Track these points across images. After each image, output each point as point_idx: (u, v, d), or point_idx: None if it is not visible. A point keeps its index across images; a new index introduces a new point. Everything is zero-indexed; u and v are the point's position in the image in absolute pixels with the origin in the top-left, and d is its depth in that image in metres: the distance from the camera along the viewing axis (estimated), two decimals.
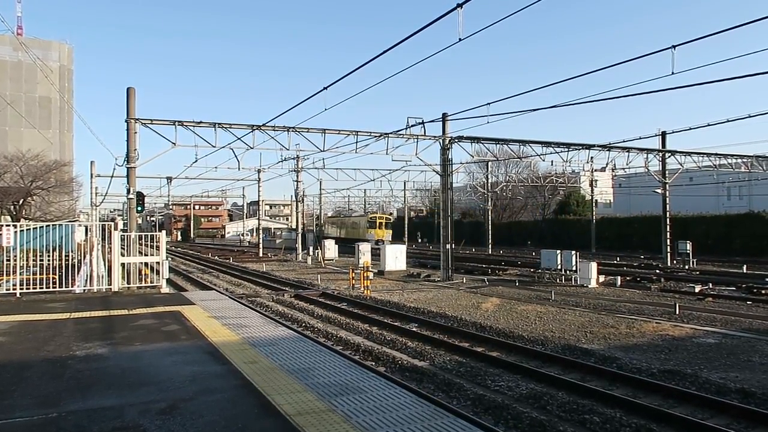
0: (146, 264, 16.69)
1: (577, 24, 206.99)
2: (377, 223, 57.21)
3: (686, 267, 31.18)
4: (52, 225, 17.40)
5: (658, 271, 28.79)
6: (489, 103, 21.46)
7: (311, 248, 43.91)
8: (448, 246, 26.23)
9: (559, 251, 25.75)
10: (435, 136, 26.26)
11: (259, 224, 57.80)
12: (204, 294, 15.64)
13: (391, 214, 73.41)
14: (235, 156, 26.14)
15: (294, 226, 62.78)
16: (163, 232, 15.57)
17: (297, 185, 44.93)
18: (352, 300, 19.61)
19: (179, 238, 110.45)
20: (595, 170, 47.93)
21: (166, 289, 14.26)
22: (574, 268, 24.31)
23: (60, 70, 61.23)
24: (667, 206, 34.66)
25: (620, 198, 68.56)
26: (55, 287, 12.89)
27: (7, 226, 13.11)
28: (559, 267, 25.07)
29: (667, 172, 34.44)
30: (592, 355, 11.28)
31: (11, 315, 9.57)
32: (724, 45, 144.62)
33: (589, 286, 22.74)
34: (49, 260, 14.86)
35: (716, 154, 34.74)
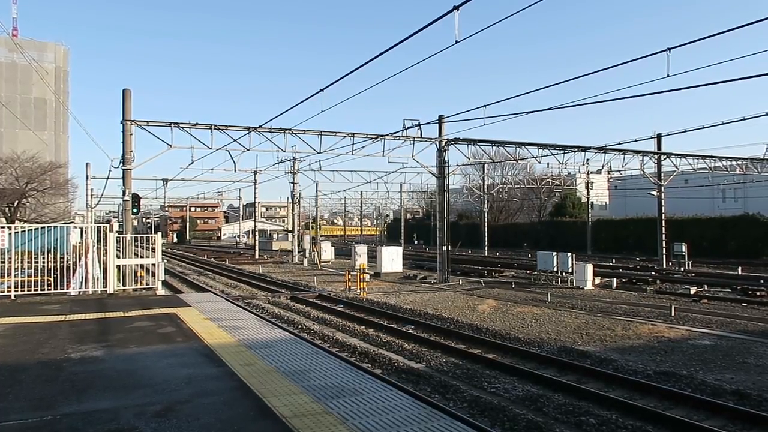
0: (142, 266, 16.64)
1: (573, 26, 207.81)
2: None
3: (682, 269, 31.27)
4: (48, 227, 17.29)
5: (653, 272, 28.86)
6: (485, 105, 21.24)
7: (307, 250, 43.86)
8: (444, 248, 26.25)
9: (555, 253, 25.80)
10: (431, 138, 26.27)
11: (255, 226, 57.75)
12: (200, 296, 15.62)
13: (386, 216, 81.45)
14: (231, 158, 26.05)
15: (290, 228, 63.10)
16: (159, 233, 15.54)
17: (293, 187, 44.89)
18: (349, 302, 19.59)
19: (175, 239, 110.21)
20: (591, 172, 48.05)
21: (161, 291, 14.20)
22: (570, 270, 24.35)
23: (55, 71, 61.01)
24: (663, 208, 34.77)
25: (616, 200, 68.71)
26: (51, 289, 12.83)
27: (1, 227, 13.05)
28: (555, 269, 25.12)
29: (662, 174, 34.55)
30: (588, 357, 11.30)
31: (6, 317, 9.52)
32: (719, 48, 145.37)
33: (585, 288, 22.78)
34: (44, 262, 14.79)
35: (711, 157, 34.83)
